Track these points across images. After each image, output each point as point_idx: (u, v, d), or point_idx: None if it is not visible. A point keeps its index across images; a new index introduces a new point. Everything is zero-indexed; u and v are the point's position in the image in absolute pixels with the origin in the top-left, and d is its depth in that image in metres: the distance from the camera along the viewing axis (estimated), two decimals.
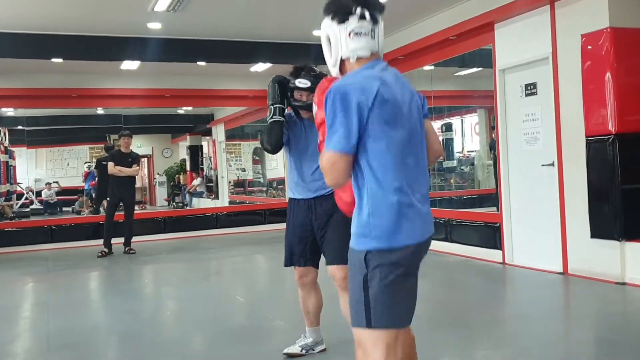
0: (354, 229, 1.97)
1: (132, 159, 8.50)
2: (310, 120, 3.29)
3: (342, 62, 2.00)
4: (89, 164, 15.19)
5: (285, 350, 3.59)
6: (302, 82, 3.25)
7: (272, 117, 3.32)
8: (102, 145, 10.60)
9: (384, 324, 1.89)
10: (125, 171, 8.38)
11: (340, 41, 1.95)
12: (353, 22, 1.92)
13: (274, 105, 3.30)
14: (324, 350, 3.62)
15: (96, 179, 11.93)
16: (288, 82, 3.33)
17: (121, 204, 8.59)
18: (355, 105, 1.84)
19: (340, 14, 1.94)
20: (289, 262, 3.49)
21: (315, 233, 3.36)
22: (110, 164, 8.40)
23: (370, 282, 1.89)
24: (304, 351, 3.57)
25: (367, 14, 1.93)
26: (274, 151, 3.37)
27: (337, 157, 1.86)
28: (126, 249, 8.53)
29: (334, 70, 2.04)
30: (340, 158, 1.86)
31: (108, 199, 8.65)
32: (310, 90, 3.22)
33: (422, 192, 1.99)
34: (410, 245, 1.91)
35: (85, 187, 14.59)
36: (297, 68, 3.32)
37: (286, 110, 3.40)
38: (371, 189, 1.90)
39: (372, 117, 1.86)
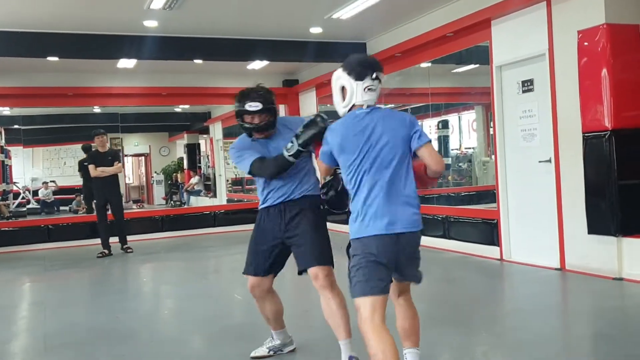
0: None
1: (112, 157, 8.36)
2: (266, 137, 3.29)
3: (353, 105, 2.71)
4: None
5: (253, 354, 3.57)
6: (253, 106, 3.19)
7: (291, 156, 3.10)
8: (89, 144, 10.31)
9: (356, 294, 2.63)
10: (108, 170, 8.24)
11: (356, 93, 2.68)
12: (368, 81, 2.67)
13: (302, 149, 3.07)
14: (293, 350, 3.62)
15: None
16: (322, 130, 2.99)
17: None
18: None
19: (361, 75, 2.67)
20: (252, 271, 3.40)
21: (285, 239, 3.30)
22: (92, 167, 8.23)
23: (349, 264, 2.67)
24: (271, 352, 3.57)
25: (376, 77, 2.69)
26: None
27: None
28: (123, 247, 8.51)
29: (342, 111, 2.74)
30: None
31: (95, 201, 8.56)
32: (261, 111, 3.20)
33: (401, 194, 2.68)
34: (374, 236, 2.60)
35: None
36: (243, 93, 3.25)
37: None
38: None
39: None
